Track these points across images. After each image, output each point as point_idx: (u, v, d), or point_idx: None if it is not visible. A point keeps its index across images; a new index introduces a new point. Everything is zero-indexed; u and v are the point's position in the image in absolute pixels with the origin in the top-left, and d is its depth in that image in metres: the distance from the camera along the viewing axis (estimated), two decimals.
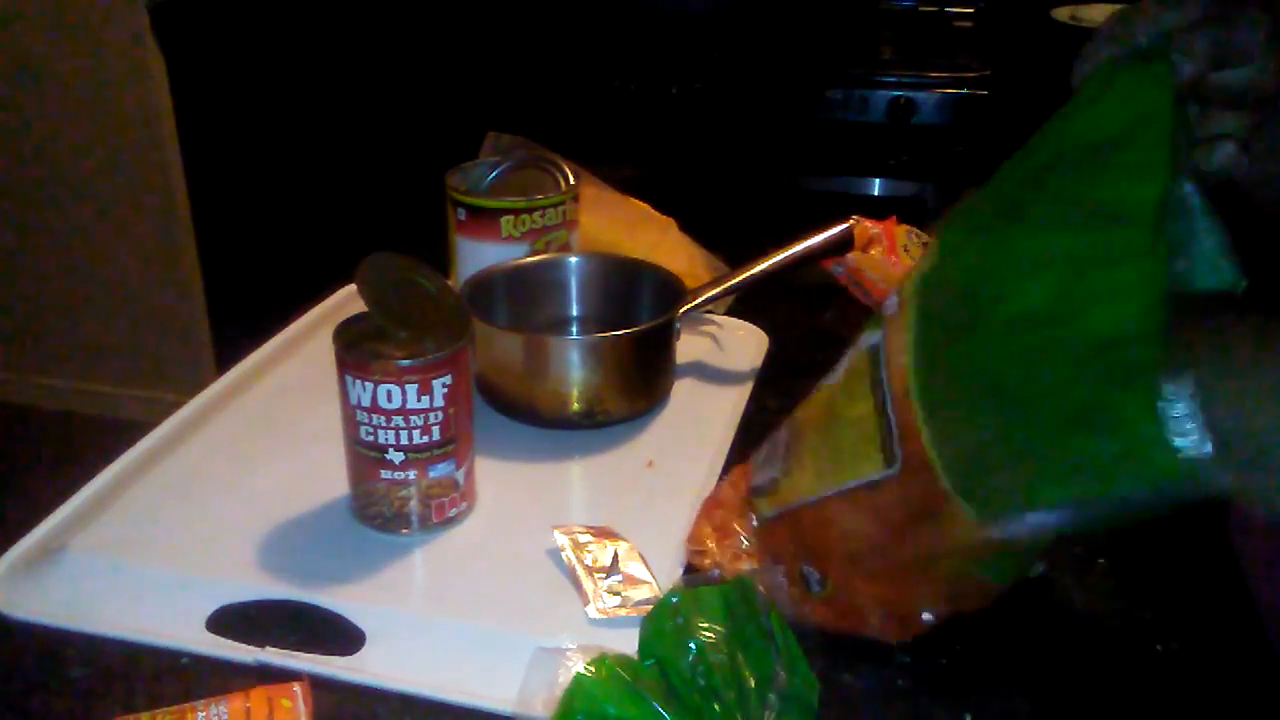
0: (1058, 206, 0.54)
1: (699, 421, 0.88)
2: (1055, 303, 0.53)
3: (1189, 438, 0.47)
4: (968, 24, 2.05)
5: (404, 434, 0.70)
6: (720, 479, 0.77)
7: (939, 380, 0.57)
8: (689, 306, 0.91)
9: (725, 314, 1.03)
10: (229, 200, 2.31)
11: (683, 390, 0.92)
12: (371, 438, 0.70)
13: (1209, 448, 0.47)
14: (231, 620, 0.66)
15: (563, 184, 0.97)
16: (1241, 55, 0.55)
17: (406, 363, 0.69)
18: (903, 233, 1.08)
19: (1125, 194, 0.52)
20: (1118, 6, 0.58)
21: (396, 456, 0.70)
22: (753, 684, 0.55)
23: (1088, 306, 0.52)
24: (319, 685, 0.60)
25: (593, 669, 0.55)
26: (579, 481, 0.83)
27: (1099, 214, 0.52)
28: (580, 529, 0.71)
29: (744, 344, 1.00)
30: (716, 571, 0.67)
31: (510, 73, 2.00)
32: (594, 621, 0.65)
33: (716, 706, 0.53)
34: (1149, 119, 0.52)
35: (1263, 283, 0.54)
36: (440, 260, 0.96)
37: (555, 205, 0.95)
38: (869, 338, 0.63)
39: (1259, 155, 0.57)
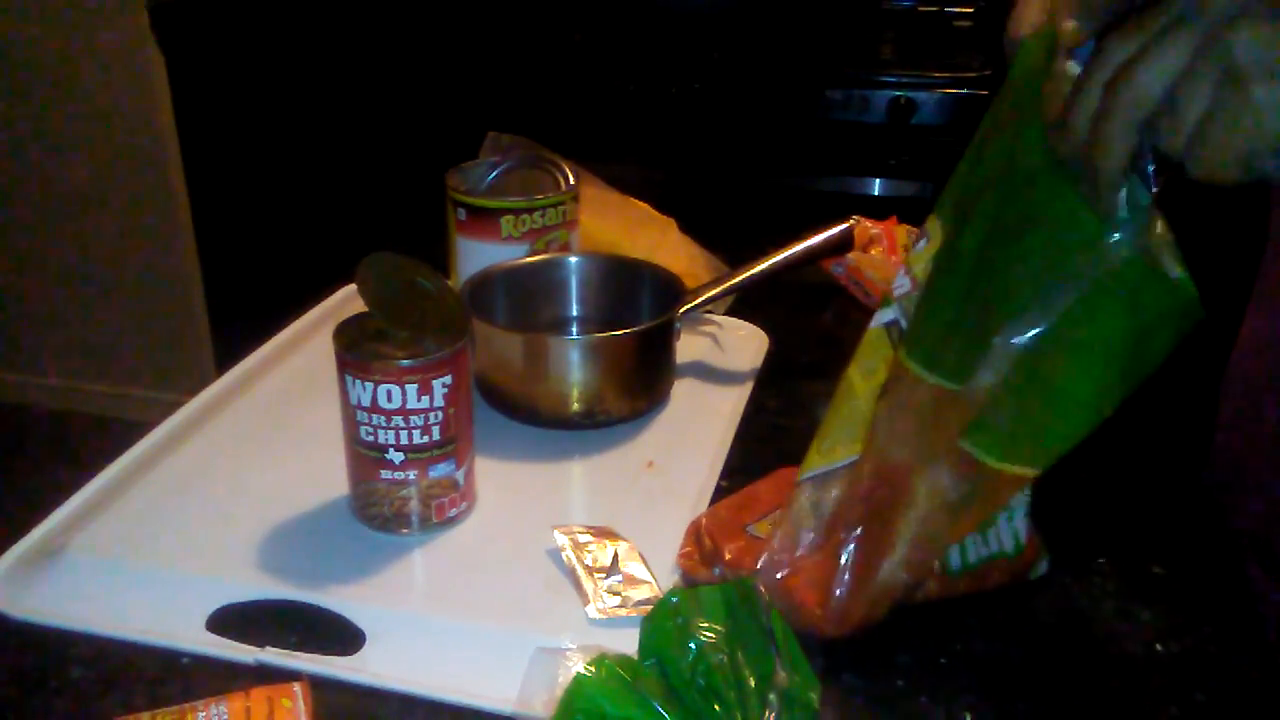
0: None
1: (699, 421, 0.88)
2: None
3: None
4: (967, 24, 2.05)
5: (404, 434, 0.70)
6: (716, 490, 0.78)
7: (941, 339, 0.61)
8: (689, 306, 0.91)
9: (725, 314, 1.03)
10: (229, 200, 2.31)
11: (683, 390, 0.92)
12: (371, 438, 0.70)
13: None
14: (231, 620, 0.66)
15: (563, 184, 0.97)
16: None
17: (406, 363, 0.69)
18: (903, 233, 1.08)
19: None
20: None
21: (396, 456, 0.70)
22: (753, 684, 0.55)
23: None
24: (319, 685, 0.60)
25: (593, 669, 0.55)
26: (579, 481, 0.83)
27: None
28: (580, 529, 0.71)
29: (744, 344, 1.00)
30: (718, 570, 0.67)
31: (510, 73, 2.00)
32: (594, 621, 0.65)
33: (716, 706, 0.53)
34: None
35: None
36: (440, 260, 0.96)
37: (555, 205, 0.95)
38: (881, 316, 0.65)
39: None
